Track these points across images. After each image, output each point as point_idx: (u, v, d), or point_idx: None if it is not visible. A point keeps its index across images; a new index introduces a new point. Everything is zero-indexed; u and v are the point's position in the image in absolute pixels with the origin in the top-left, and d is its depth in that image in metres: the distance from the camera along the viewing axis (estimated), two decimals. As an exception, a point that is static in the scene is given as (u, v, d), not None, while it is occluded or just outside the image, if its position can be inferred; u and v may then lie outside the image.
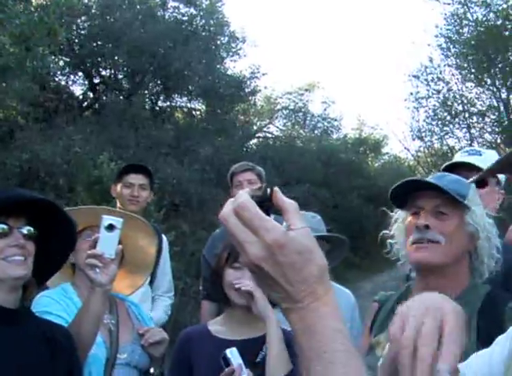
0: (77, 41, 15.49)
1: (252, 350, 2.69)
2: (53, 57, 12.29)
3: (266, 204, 1.14)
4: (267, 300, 2.64)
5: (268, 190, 1.16)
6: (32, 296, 2.57)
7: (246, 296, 2.68)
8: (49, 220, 2.34)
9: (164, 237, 4.88)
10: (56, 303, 2.77)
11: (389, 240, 2.53)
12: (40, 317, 2.47)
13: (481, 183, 3.18)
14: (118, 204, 4.58)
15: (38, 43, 9.15)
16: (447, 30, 16.77)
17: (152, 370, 2.95)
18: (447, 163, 3.71)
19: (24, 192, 2.51)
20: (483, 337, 2.03)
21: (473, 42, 15.93)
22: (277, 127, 25.06)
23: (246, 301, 2.70)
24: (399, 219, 2.48)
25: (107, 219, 2.64)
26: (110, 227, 2.62)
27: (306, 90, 26.19)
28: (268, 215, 1.12)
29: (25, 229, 2.26)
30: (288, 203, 1.14)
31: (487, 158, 3.46)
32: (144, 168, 4.82)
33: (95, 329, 2.53)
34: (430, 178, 2.40)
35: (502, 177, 3.60)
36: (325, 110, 26.00)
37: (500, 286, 2.51)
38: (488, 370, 1.49)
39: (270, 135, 24.05)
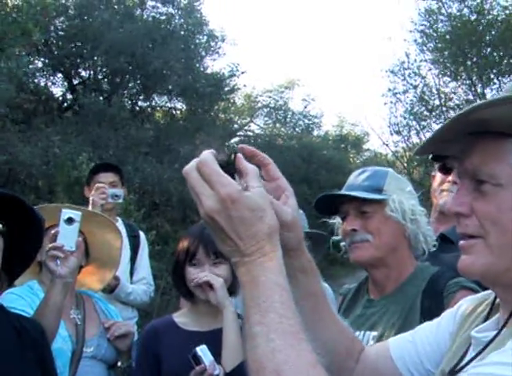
0: (55, 42, 15.41)
1: (219, 341, 2.72)
2: (30, 58, 12.25)
3: (230, 167, 1.22)
4: (226, 290, 2.70)
5: (233, 156, 1.24)
6: (2, 290, 2.62)
7: (204, 287, 2.73)
8: (17, 216, 2.38)
9: (142, 234, 4.96)
10: (21, 299, 2.83)
11: (341, 244, 2.63)
12: (9, 310, 2.51)
13: (447, 171, 3.25)
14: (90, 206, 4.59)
15: (12, 43, 9.13)
16: (422, 25, 16.91)
17: (119, 364, 3.01)
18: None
19: None
20: (426, 315, 2.16)
21: (448, 37, 16.05)
22: (258, 125, 25.15)
23: (206, 293, 2.74)
24: (339, 224, 2.60)
25: (66, 213, 2.71)
26: (69, 220, 2.69)
27: (286, 88, 26.26)
28: (233, 178, 1.20)
29: None
30: (249, 167, 1.23)
31: None
32: (112, 165, 4.89)
33: (56, 320, 2.59)
34: (348, 183, 2.53)
35: None
36: (305, 107, 26.07)
37: None
38: (434, 340, 1.58)
39: (251, 134, 24.11)
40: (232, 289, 2.81)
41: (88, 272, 3.22)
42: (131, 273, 4.69)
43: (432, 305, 2.23)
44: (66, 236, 2.66)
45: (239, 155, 1.26)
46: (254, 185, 1.19)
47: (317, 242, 3.90)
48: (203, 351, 2.59)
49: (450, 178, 3.37)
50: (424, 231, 2.46)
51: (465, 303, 1.59)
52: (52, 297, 2.57)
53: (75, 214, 2.72)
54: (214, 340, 2.68)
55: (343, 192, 2.47)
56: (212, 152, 1.23)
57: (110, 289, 4.25)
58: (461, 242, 1.30)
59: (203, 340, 2.68)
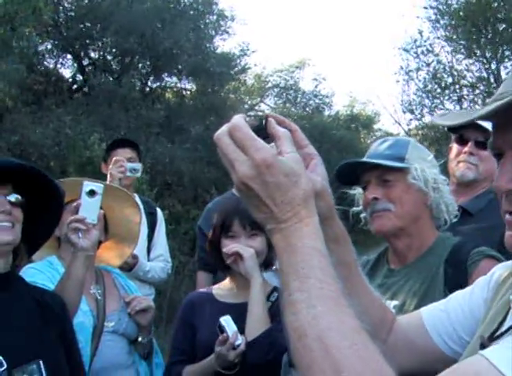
0: (64, 23, 15.34)
1: None
2: (40, 40, 12.21)
3: (262, 132, 1.19)
4: (256, 262, 2.70)
5: (264, 121, 1.21)
6: (23, 263, 2.60)
7: (234, 257, 2.73)
8: (37, 188, 2.36)
9: (159, 211, 4.94)
10: (41, 273, 2.82)
11: (361, 215, 2.60)
12: (30, 283, 2.50)
13: (484, 145, 3.23)
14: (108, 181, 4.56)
15: (23, 23, 9.09)
16: (436, 1, 16.73)
17: (140, 339, 2.99)
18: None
19: (11, 160, 2.53)
20: (450, 284, 2.17)
21: (461, 13, 15.88)
22: (268, 105, 25.01)
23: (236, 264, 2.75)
24: (360, 195, 2.57)
25: (88, 185, 2.67)
26: (91, 193, 2.65)
27: (297, 67, 26.06)
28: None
29: (12, 197, 2.27)
30: (281, 131, 1.20)
31: None
32: (130, 141, 4.85)
33: (78, 294, 2.57)
34: (369, 151, 2.50)
35: None
36: (316, 87, 25.86)
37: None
38: (467, 308, 1.56)
39: (261, 114, 23.96)
40: (268, 261, 2.83)
41: (107, 247, 3.19)
42: (149, 250, 4.68)
43: (455, 273, 2.21)
44: (88, 209, 2.62)
45: (271, 119, 1.22)
46: (287, 149, 1.16)
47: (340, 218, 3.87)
48: (226, 321, 2.62)
49: (467, 148, 3.34)
50: (446, 200, 2.44)
51: (498, 270, 1.57)
52: (74, 270, 2.54)
53: (97, 186, 2.68)
54: (244, 311, 2.71)
55: (364, 160, 2.43)
56: (243, 115, 1.19)
57: (129, 267, 4.23)
58: (508, 217, 1.31)
59: (237, 311, 2.71)
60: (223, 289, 2.95)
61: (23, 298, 2.31)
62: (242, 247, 2.72)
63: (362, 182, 2.48)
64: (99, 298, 2.93)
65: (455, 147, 3.45)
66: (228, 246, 2.76)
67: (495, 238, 3.09)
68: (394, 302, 2.30)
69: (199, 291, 3.15)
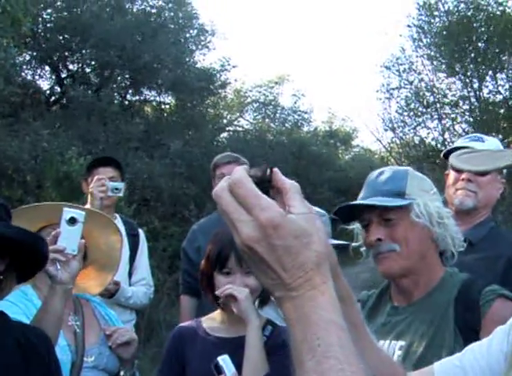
0: (43, 34, 15.16)
1: None
2: (17, 51, 12.03)
3: (266, 185, 1.06)
4: (251, 302, 2.54)
5: (268, 170, 1.07)
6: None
7: (228, 299, 2.56)
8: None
9: (141, 232, 4.77)
10: (14, 306, 2.60)
11: (361, 249, 2.46)
12: (13, 320, 2.30)
13: (482, 171, 3.11)
14: (89, 200, 4.37)
15: (2, 34, 8.90)
16: (419, 20, 16.80)
17: (122, 374, 2.81)
18: (449, 148, 3.65)
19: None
20: (461, 324, 2.05)
21: (444, 32, 15.94)
22: (247, 120, 24.91)
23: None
24: (359, 229, 2.42)
25: (69, 212, 2.49)
26: (72, 220, 2.47)
27: (276, 83, 26.04)
28: (268, 195, 1.03)
29: None
30: (289, 183, 1.06)
31: (489, 145, 3.39)
32: (112, 159, 4.68)
33: (55, 330, 2.38)
34: (366, 188, 2.36)
35: None
36: (295, 102, 25.81)
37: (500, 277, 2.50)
38: (485, 363, 1.43)
39: (240, 129, 23.88)
40: (264, 298, 2.69)
41: (86, 274, 3.00)
42: (130, 274, 4.49)
43: (467, 313, 2.07)
44: (68, 238, 2.44)
45: (277, 170, 1.08)
46: (295, 204, 1.02)
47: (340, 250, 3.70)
48: (225, 361, 2.43)
49: (464, 175, 3.22)
50: (452, 233, 2.29)
51: None
52: (52, 304, 2.36)
53: (78, 213, 2.50)
54: (241, 347, 2.52)
55: (364, 202, 2.29)
56: (244, 167, 1.06)
57: (110, 294, 4.05)
58: None
59: (230, 346, 2.54)
60: (214, 321, 2.76)
61: (3, 336, 2.12)
62: (236, 288, 2.53)
63: (362, 220, 2.34)
64: (77, 330, 2.73)
65: (452, 174, 3.33)
66: (222, 285, 2.58)
67: (498, 269, 2.99)
68: (401, 343, 2.17)
69: (187, 323, 2.94)
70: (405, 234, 2.22)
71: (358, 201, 2.32)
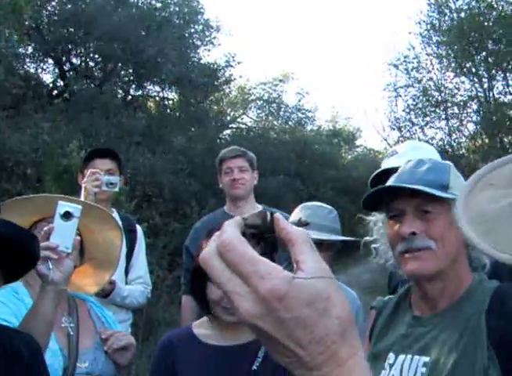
0: (46, 26, 15.04)
1: (247, 357, 2.34)
2: (20, 41, 11.86)
3: (268, 235, 0.85)
4: None
5: (269, 216, 0.86)
6: None
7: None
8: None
9: (139, 228, 4.58)
10: (4, 306, 2.39)
11: (373, 246, 2.23)
12: (0, 324, 2.12)
13: None
14: (83, 195, 4.18)
15: (2, 21, 8.73)
16: (430, 16, 16.63)
17: (118, 380, 2.63)
18: (376, 171, 3.44)
19: None
20: (495, 339, 1.78)
21: (455, 30, 15.75)
22: (251, 118, 24.77)
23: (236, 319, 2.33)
24: (379, 222, 2.19)
25: (63, 206, 2.29)
26: (67, 215, 2.27)
27: (280, 81, 25.90)
28: (274, 250, 0.84)
29: None
30: (295, 233, 0.85)
31: (404, 153, 3.25)
32: (110, 151, 4.49)
33: (46, 334, 2.18)
34: (403, 174, 2.10)
35: None
36: (299, 101, 25.71)
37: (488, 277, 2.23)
38: None
39: (244, 126, 23.75)
40: None
41: (82, 273, 2.80)
42: (127, 271, 4.31)
43: (502, 327, 1.80)
44: (62, 235, 2.24)
45: (278, 216, 0.87)
46: (306, 259, 0.81)
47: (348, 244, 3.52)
48: None
49: None
50: None
51: None
52: (42, 307, 2.16)
53: (74, 208, 2.30)
54: (239, 356, 2.32)
55: (410, 186, 1.99)
56: (237, 219, 0.86)
57: (105, 294, 3.88)
58: None
59: (226, 356, 2.33)
60: (206, 327, 2.52)
61: None
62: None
63: (392, 209, 2.07)
64: (71, 333, 2.52)
65: None
66: (215, 289, 2.32)
67: None
68: (425, 359, 1.92)
69: (176, 331, 2.69)
70: (443, 231, 1.96)
71: (402, 184, 2.03)
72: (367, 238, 2.27)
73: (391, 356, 2.03)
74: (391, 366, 2.01)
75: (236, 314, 0.80)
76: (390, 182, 2.13)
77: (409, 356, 1.97)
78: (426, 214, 1.98)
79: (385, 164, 3.38)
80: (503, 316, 1.82)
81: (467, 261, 2.04)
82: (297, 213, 3.45)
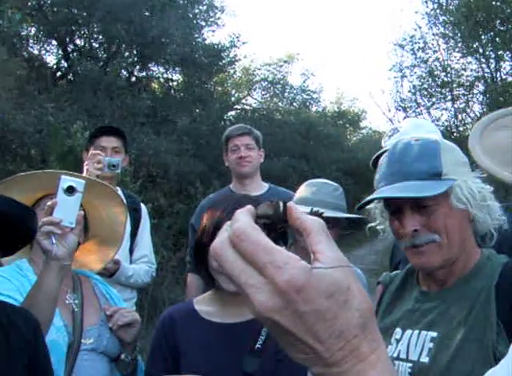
0: (49, 7, 14.94)
1: (249, 335, 2.23)
2: (22, 21, 11.78)
3: (281, 225, 0.81)
4: None
5: (281, 206, 0.82)
6: None
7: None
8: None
9: (143, 207, 4.55)
10: (8, 282, 2.37)
11: (378, 227, 2.17)
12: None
13: None
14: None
15: (5, 1, 8.65)
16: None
17: (123, 357, 2.60)
18: (378, 153, 3.39)
19: None
20: (504, 315, 1.75)
21: (464, 9, 15.59)
22: (255, 99, 24.69)
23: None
24: (379, 211, 2.13)
25: (66, 180, 2.25)
26: (70, 190, 2.23)
27: (285, 62, 25.78)
28: (286, 240, 0.80)
29: None
30: (311, 222, 0.79)
31: (405, 132, 3.18)
32: (116, 129, 4.46)
33: (50, 311, 2.16)
34: (393, 167, 2.00)
35: None
36: (304, 82, 25.62)
37: None
38: None
39: (248, 107, 23.68)
40: None
41: (87, 249, 2.78)
42: (131, 250, 4.29)
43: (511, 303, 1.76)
44: (65, 210, 2.20)
45: (292, 205, 0.82)
46: (323, 249, 0.76)
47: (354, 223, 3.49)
48: None
49: None
50: (494, 215, 1.96)
51: None
52: (46, 283, 2.13)
53: (77, 182, 2.26)
54: (242, 334, 2.25)
55: (397, 195, 1.93)
56: (249, 208, 0.81)
57: (109, 273, 3.86)
58: None
59: (229, 333, 2.29)
60: (208, 303, 2.46)
61: None
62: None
63: (389, 206, 2.03)
64: (75, 309, 2.50)
65: None
66: None
67: None
68: (432, 334, 1.89)
69: (177, 306, 2.64)
70: (444, 222, 1.91)
71: (390, 195, 1.97)
72: (371, 224, 2.23)
73: (398, 331, 2.01)
74: (397, 341, 1.99)
75: (249, 309, 0.75)
76: (380, 181, 2.06)
77: (416, 332, 1.95)
78: (424, 207, 1.92)
79: (387, 144, 3.34)
80: None
81: (473, 237, 2.00)
82: (303, 190, 3.43)
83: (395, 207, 1.99)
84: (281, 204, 0.82)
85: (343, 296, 0.74)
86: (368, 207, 2.16)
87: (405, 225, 1.94)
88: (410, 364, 1.90)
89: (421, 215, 1.92)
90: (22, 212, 1.97)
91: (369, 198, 2.02)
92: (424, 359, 1.86)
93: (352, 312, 0.74)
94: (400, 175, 1.96)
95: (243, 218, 0.78)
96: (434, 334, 1.89)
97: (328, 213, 3.18)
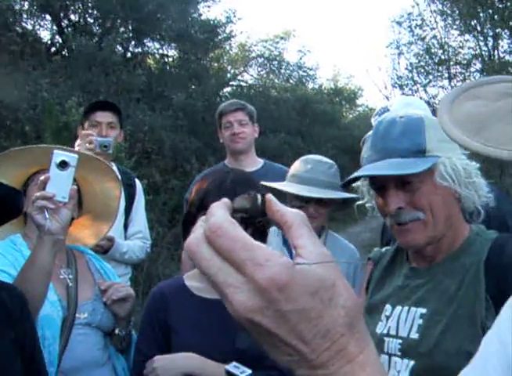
0: (43, -19, 14.79)
1: None
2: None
3: (260, 219, 0.78)
4: None
5: (260, 198, 0.79)
6: None
7: None
8: None
9: (138, 182, 4.52)
10: (2, 257, 2.39)
11: (367, 205, 2.16)
12: None
13: None
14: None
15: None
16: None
17: (117, 331, 2.61)
18: (369, 133, 3.38)
19: None
20: (492, 291, 1.76)
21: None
22: (251, 75, 24.56)
23: None
24: (366, 189, 2.13)
25: (59, 155, 2.24)
26: (63, 164, 2.22)
27: (281, 38, 25.63)
28: (264, 234, 0.77)
29: None
30: (291, 215, 0.75)
31: (395, 110, 3.17)
32: (112, 104, 4.42)
33: (43, 285, 2.17)
34: (376, 145, 2.00)
35: None
36: (300, 58, 25.48)
37: None
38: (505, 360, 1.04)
39: (244, 84, 23.56)
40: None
41: (81, 224, 2.78)
42: (126, 226, 4.28)
43: (500, 279, 1.76)
44: (59, 184, 2.20)
45: (271, 197, 0.78)
46: (305, 244, 0.72)
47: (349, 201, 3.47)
48: (236, 368, 2.09)
49: None
50: (480, 192, 1.95)
51: None
52: (40, 257, 2.13)
53: (70, 157, 2.25)
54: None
55: (381, 173, 1.92)
56: (225, 201, 0.76)
57: (103, 250, 3.85)
58: None
59: (218, 310, 2.30)
60: (198, 280, 2.43)
61: None
62: None
63: (374, 183, 2.02)
64: (70, 284, 2.51)
65: None
66: None
67: None
68: (422, 310, 1.90)
69: (168, 281, 2.64)
70: (429, 199, 1.90)
71: (372, 173, 1.96)
72: (360, 202, 2.22)
73: (388, 307, 2.02)
74: (387, 317, 2.00)
75: (228, 309, 0.71)
76: (365, 158, 2.06)
77: (406, 308, 1.95)
78: (408, 184, 1.91)
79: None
80: (502, 266, 1.79)
81: (461, 213, 1.99)
82: (297, 166, 3.42)
83: (379, 184, 1.98)
84: (259, 196, 0.79)
85: (328, 293, 0.70)
86: (355, 184, 2.16)
87: (389, 203, 1.93)
88: (400, 340, 1.90)
89: (405, 193, 1.92)
90: (7, 193, 1.96)
91: (352, 176, 2.02)
92: (414, 335, 1.87)
93: (338, 310, 0.71)
94: (384, 152, 1.95)
95: (219, 212, 0.73)
96: (424, 310, 1.89)
97: (322, 194, 3.19)
